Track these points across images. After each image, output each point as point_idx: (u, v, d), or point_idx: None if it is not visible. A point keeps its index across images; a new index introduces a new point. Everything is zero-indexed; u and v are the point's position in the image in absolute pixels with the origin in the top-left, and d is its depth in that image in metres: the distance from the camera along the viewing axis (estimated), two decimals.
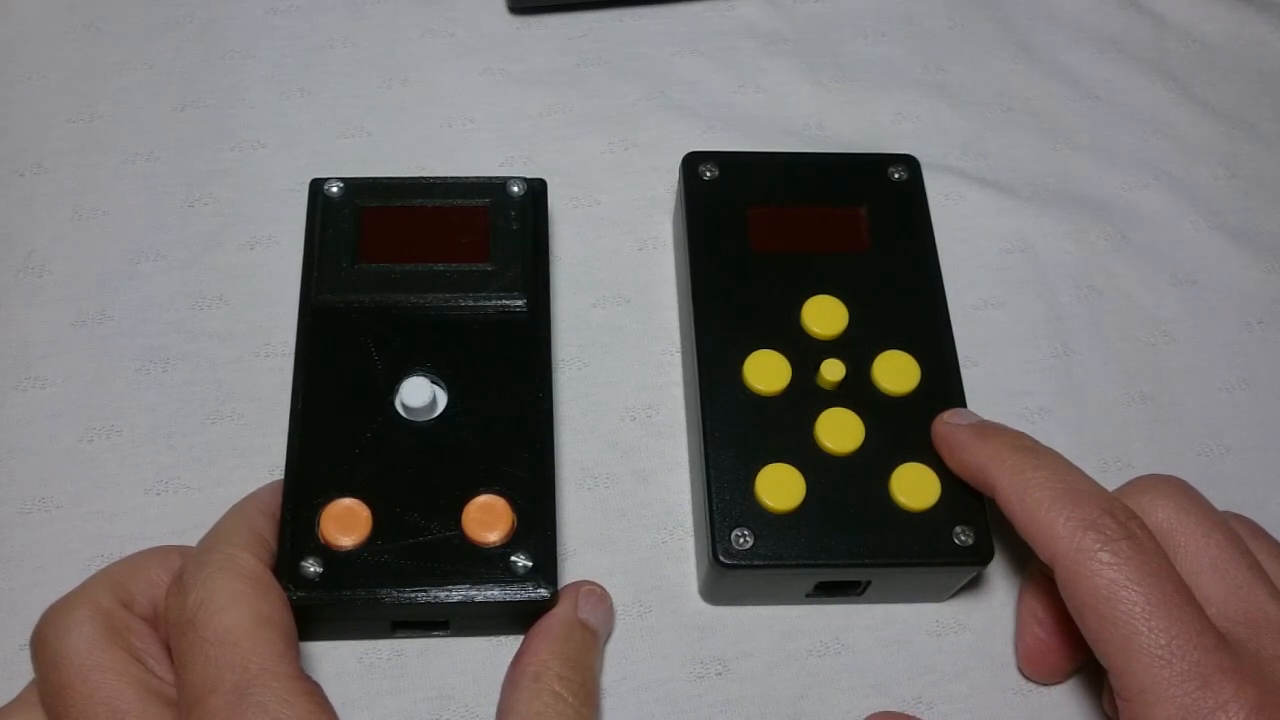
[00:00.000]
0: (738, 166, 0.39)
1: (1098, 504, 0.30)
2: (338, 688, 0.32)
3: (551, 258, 0.40)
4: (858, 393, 0.35)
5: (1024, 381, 0.40)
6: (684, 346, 0.39)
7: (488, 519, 0.32)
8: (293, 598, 0.30)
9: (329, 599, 0.31)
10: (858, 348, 0.36)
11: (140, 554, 0.31)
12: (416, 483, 0.33)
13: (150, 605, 0.30)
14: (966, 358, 0.39)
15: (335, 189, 0.37)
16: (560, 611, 0.32)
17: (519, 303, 0.36)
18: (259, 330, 0.39)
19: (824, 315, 0.36)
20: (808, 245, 0.38)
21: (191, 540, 0.31)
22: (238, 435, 0.37)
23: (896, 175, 0.39)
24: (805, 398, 0.35)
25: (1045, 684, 0.35)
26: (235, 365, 0.38)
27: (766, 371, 0.35)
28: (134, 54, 0.45)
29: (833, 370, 0.35)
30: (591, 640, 0.32)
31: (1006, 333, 0.41)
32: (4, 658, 0.33)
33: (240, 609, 0.28)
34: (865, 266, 0.37)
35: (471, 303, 0.35)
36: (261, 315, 0.39)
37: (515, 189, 0.37)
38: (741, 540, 0.33)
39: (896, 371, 0.35)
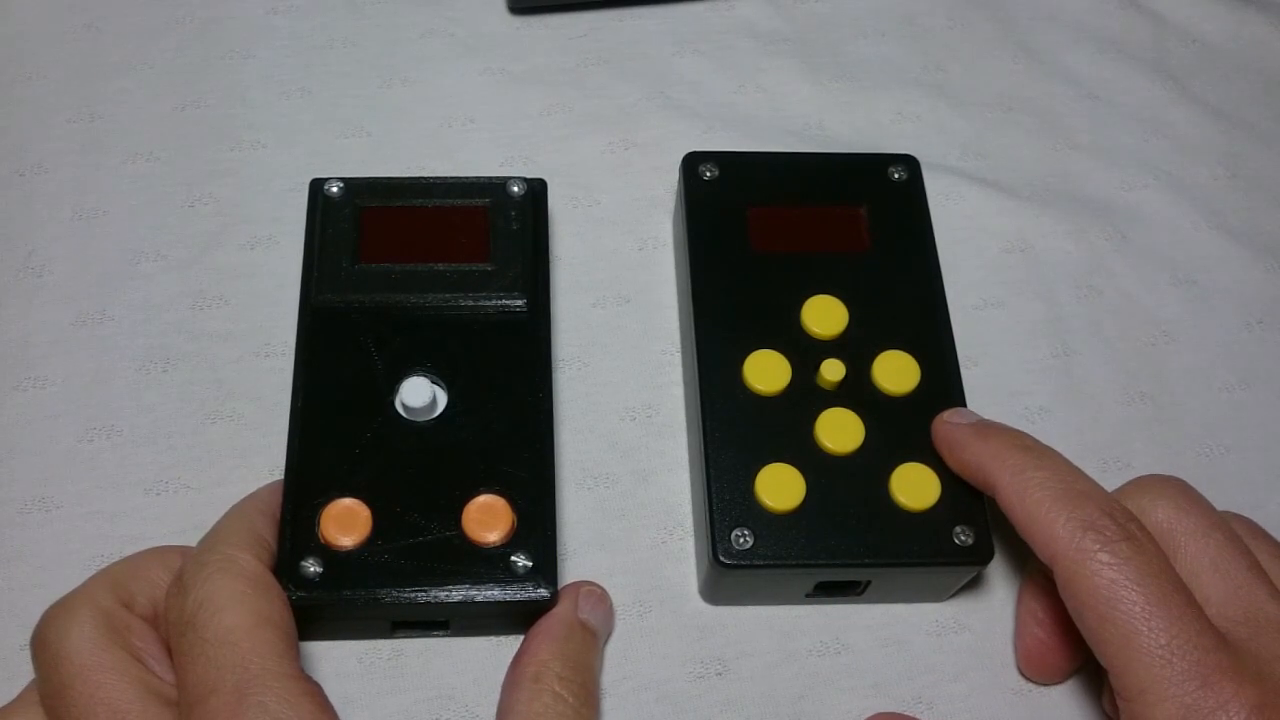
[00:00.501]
0: (738, 166, 0.39)
1: (1097, 505, 0.30)
2: (338, 688, 0.32)
3: (551, 258, 0.40)
4: (858, 393, 0.35)
5: (1024, 381, 0.40)
6: (684, 346, 0.39)
7: (488, 519, 0.32)
8: (293, 598, 0.30)
9: (329, 599, 0.31)
10: (858, 348, 0.36)
11: (140, 554, 0.31)
12: (416, 483, 0.33)
13: (150, 605, 0.30)
14: (966, 358, 0.39)
15: (335, 189, 0.37)
16: (560, 612, 0.32)
17: (519, 303, 0.36)
18: (259, 330, 0.39)
19: (824, 315, 0.36)
20: (808, 245, 0.38)
21: (191, 540, 0.31)
22: (238, 435, 0.37)
23: (896, 175, 0.39)
24: (805, 398, 0.35)
25: (1045, 684, 0.35)
26: (235, 365, 0.38)
27: (766, 371, 0.35)
28: (134, 54, 0.45)
29: (833, 370, 0.35)
30: (591, 641, 0.32)
31: (1006, 333, 0.41)
32: (4, 658, 0.33)
33: (241, 609, 0.28)
34: (865, 266, 0.37)
35: (471, 303, 0.35)
36: (261, 315, 0.39)
37: (515, 189, 0.37)
38: (741, 540, 0.33)
39: (896, 371, 0.35)
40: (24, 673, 0.30)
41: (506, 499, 0.33)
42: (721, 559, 0.32)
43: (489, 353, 0.35)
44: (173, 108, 0.44)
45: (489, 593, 0.31)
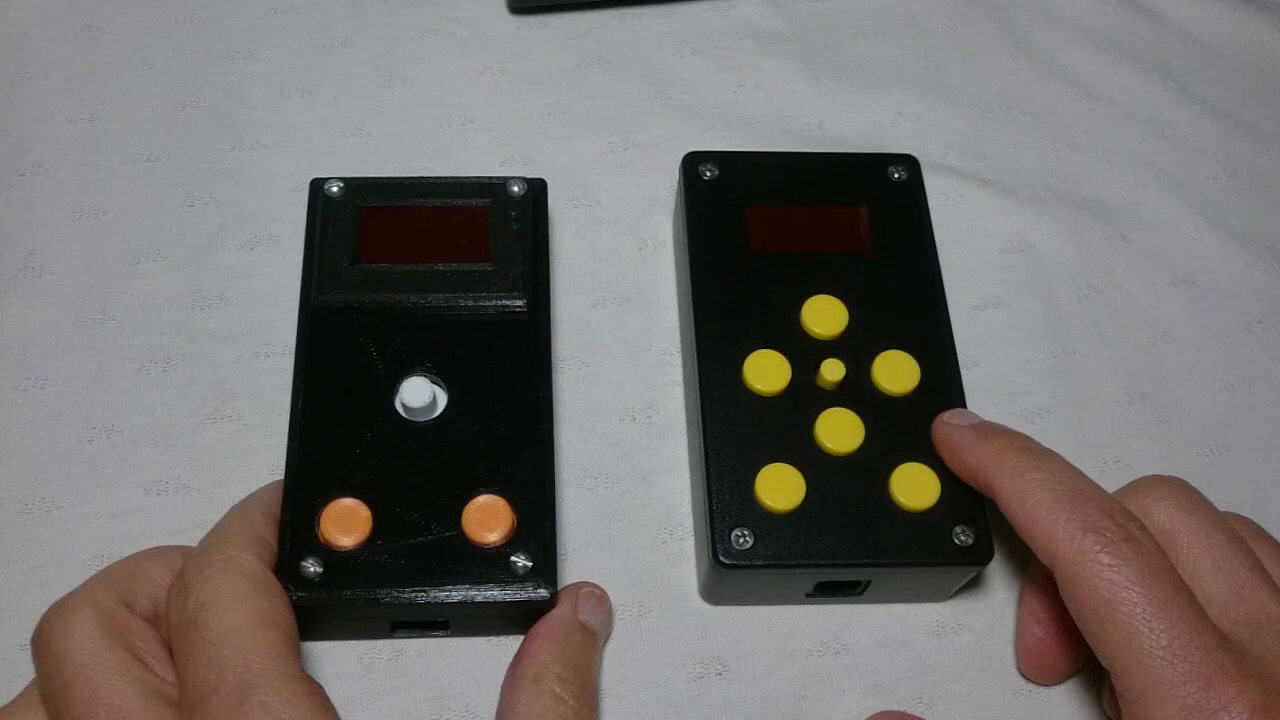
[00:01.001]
0: (738, 166, 0.39)
1: (1098, 506, 0.30)
2: (338, 688, 0.32)
3: (551, 258, 0.40)
4: (858, 393, 0.35)
5: (1024, 381, 0.40)
6: (684, 346, 0.39)
7: (488, 519, 0.32)
8: (293, 598, 0.30)
9: (329, 599, 0.31)
10: (858, 348, 0.36)
11: (141, 554, 0.31)
12: (416, 483, 0.33)
13: (151, 605, 0.30)
14: (966, 358, 0.39)
15: (335, 189, 0.37)
16: (560, 613, 0.32)
17: (519, 303, 0.36)
18: (259, 330, 0.39)
19: (824, 315, 0.36)
20: (808, 245, 0.38)
21: (192, 540, 0.31)
22: (238, 435, 0.37)
23: (896, 175, 0.39)
24: (805, 398, 0.35)
25: (1045, 684, 0.35)
26: (235, 365, 0.38)
27: (766, 371, 0.35)
28: (134, 54, 0.45)
29: (833, 370, 0.35)
30: (591, 641, 0.32)
31: (1006, 333, 0.41)
32: (4, 658, 0.33)
33: (242, 609, 0.28)
34: (865, 266, 0.37)
35: (472, 303, 0.35)
36: (261, 315, 0.39)
37: (515, 189, 0.37)
38: (741, 540, 0.33)
39: (896, 371, 0.35)
40: (24, 673, 0.30)
41: (506, 499, 0.33)
42: (721, 559, 0.32)
43: (489, 353, 0.35)
44: (173, 108, 0.43)
45: (489, 593, 0.31)
